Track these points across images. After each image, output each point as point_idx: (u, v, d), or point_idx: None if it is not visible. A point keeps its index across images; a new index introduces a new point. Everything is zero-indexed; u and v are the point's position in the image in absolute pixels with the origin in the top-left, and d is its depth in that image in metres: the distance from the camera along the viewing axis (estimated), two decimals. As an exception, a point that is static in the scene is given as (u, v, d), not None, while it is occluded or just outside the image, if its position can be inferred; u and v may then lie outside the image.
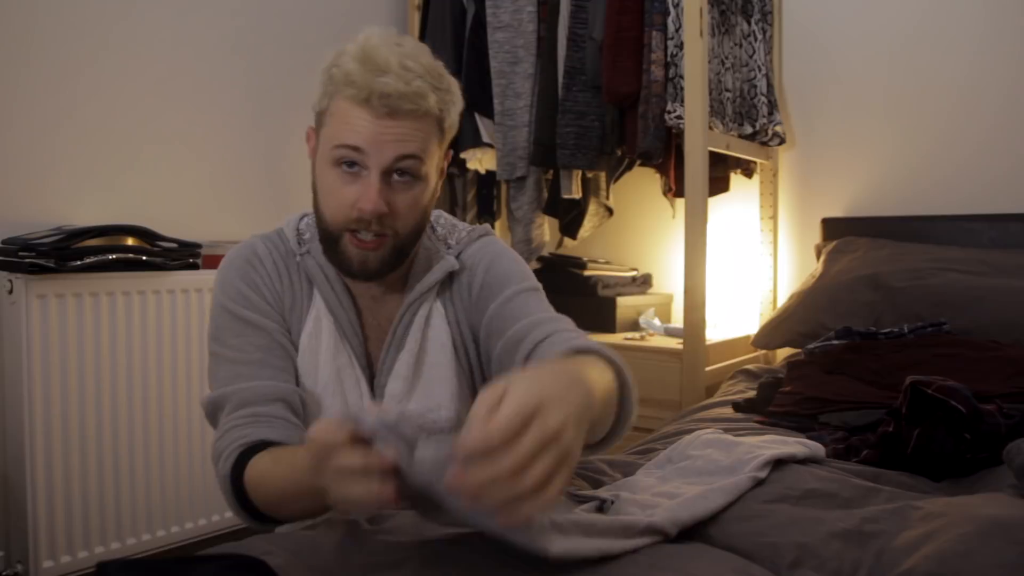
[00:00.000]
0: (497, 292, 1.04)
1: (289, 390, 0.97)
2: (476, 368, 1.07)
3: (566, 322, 1.00)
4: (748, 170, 2.37)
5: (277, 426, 0.93)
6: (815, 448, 1.06)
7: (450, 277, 1.06)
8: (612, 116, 2.16)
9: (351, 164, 0.94)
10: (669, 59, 1.99)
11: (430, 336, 1.03)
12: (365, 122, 0.92)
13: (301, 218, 1.11)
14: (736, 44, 2.18)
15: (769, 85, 2.24)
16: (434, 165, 1.00)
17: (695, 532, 0.82)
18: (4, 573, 1.65)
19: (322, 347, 1.00)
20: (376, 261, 0.97)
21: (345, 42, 0.97)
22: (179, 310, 1.87)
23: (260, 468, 0.86)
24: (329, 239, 0.99)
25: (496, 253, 1.08)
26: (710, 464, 0.99)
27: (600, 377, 0.77)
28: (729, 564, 0.73)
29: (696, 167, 1.87)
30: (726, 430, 1.34)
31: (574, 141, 2.16)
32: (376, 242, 0.96)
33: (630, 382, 0.91)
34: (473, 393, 1.05)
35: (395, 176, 0.95)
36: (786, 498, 0.86)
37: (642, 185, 2.52)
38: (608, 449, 0.94)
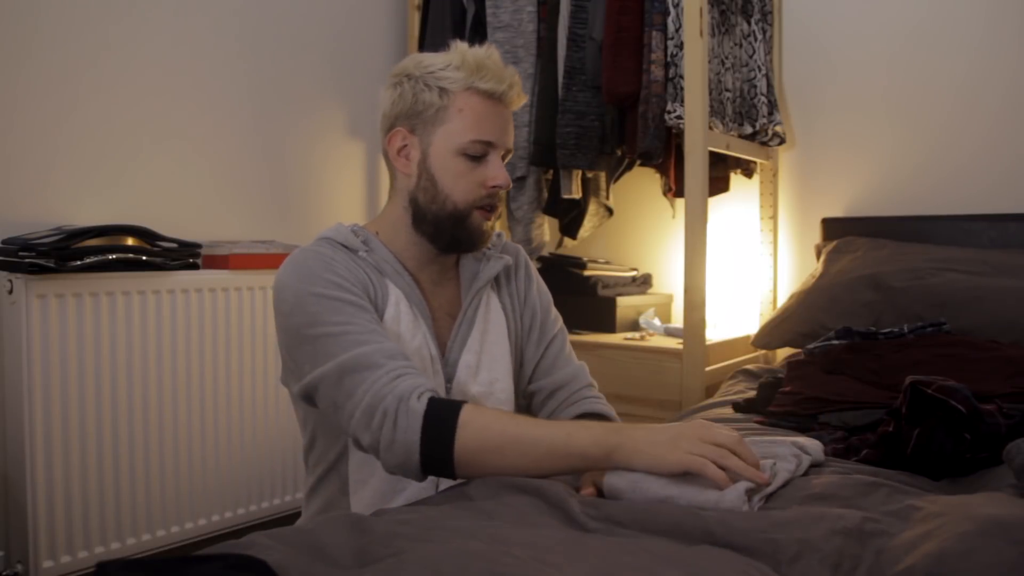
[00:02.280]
0: (545, 320, 1.28)
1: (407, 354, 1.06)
2: (520, 348, 1.26)
3: (586, 373, 1.29)
4: (748, 170, 2.37)
5: (429, 382, 1.02)
6: (816, 453, 1.06)
7: (497, 280, 1.24)
8: (612, 116, 2.16)
9: (479, 153, 1.12)
10: (669, 59, 2.00)
11: (491, 319, 1.21)
12: (493, 116, 1.12)
13: (347, 227, 1.20)
14: (736, 44, 2.19)
15: (769, 85, 2.24)
16: None
17: (698, 530, 0.82)
18: (4, 573, 1.65)
19: (401, 329, 1.11)
20: (490, 230, 1.17)
21: (406, 60, 1.18)
22: (179, 310, 1.88)
23: (489, 416, 0.97)
24: (456, 218, 1.13)
25: (532, 269, 1.31)
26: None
27: None
28: (731, 560, 0.73)
29: (696, 167, 1.87)
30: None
31: (574, 141, 2.16)
32: (493, 214, 1.15)
33: None
34: (514, 365, 1.24)
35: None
36: (788, 497, 0.87)
37: (642, 185, 2.53)
38: None
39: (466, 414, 0.95)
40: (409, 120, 1.14)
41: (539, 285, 1.30)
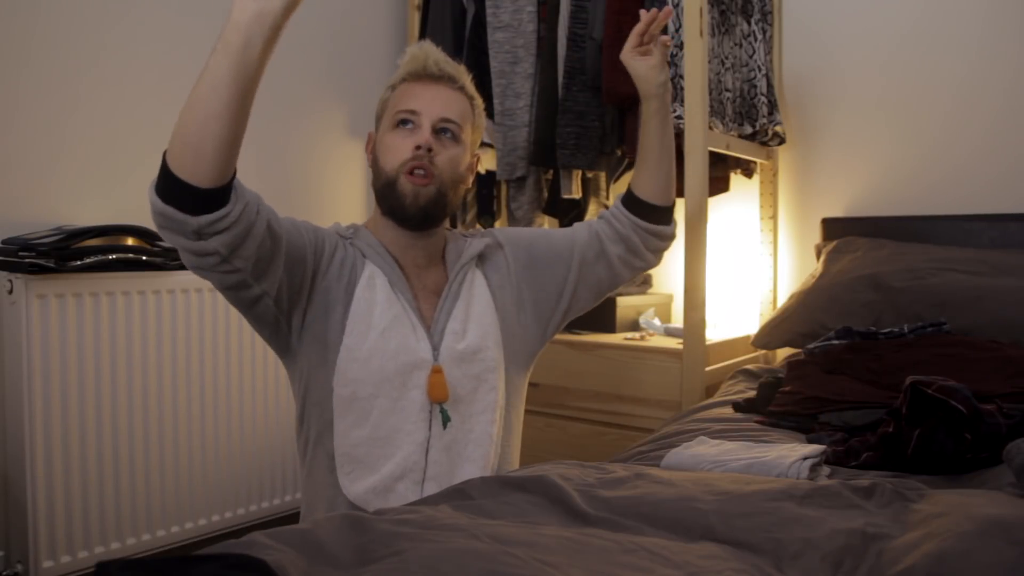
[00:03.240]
0: (551, 263, 1.38)
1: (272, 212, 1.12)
2: (514, 320, 1.34)
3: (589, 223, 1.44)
4: (748, 170, 2.37)
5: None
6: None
7: (481, 257, 1.33)
8: (612, 116, 2.16)
9: (406, 122, 1.22)
10: (669, 59, 1.99)
11: (475, 294, 1.30)
12: (419, 90, 1.23)
13: (342, 225, 1.32)
14: (736, 44, 2.19)
15: (769, 85, 2.24)
16: (468, 139, 1.27)
17: (699, 526, 0.82)
18: (4, 573, 1.65)
19: (377, 298, 1.21)
20: (425, 196, 1.21)
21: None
22: (179, 310, 1.88)
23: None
24: (388, 184, 1.22)
25: (512, 231, 1.42)
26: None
27: None
28: (731, 558, 0.73)
29: (696, 167, 1.87)
30: (726, 430, 1.34)
31: (574, 141, 2.16)
32: (426, 179, 1.21)
33: None
34: (504, 338, 1.31)
35: (441, 134, 1.23)
36: (790, 497, 0.87)
37: (642, 185, 2.52)
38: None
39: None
40: (376, 123, 1.30)
41: (518, 251, 1.37)
